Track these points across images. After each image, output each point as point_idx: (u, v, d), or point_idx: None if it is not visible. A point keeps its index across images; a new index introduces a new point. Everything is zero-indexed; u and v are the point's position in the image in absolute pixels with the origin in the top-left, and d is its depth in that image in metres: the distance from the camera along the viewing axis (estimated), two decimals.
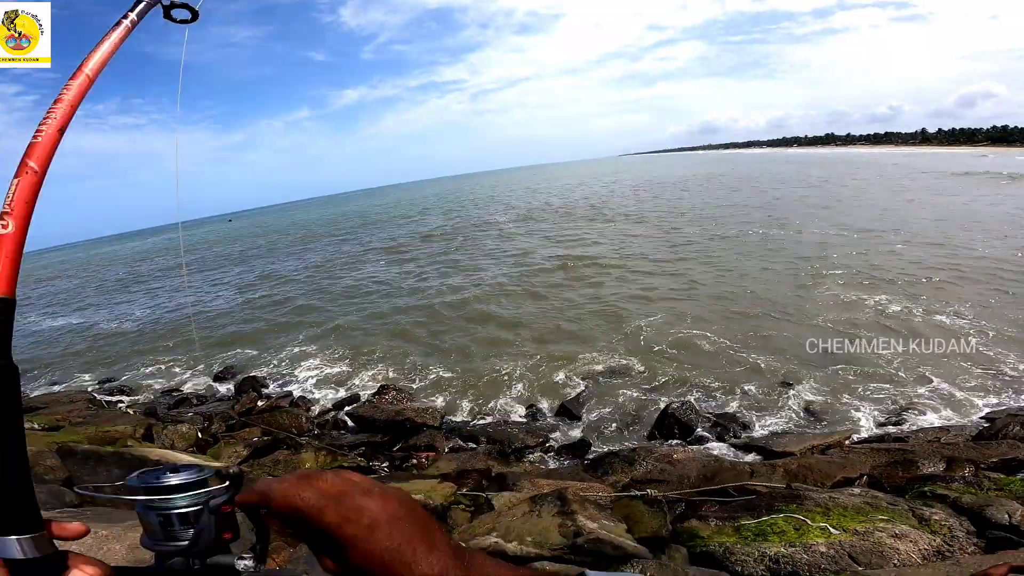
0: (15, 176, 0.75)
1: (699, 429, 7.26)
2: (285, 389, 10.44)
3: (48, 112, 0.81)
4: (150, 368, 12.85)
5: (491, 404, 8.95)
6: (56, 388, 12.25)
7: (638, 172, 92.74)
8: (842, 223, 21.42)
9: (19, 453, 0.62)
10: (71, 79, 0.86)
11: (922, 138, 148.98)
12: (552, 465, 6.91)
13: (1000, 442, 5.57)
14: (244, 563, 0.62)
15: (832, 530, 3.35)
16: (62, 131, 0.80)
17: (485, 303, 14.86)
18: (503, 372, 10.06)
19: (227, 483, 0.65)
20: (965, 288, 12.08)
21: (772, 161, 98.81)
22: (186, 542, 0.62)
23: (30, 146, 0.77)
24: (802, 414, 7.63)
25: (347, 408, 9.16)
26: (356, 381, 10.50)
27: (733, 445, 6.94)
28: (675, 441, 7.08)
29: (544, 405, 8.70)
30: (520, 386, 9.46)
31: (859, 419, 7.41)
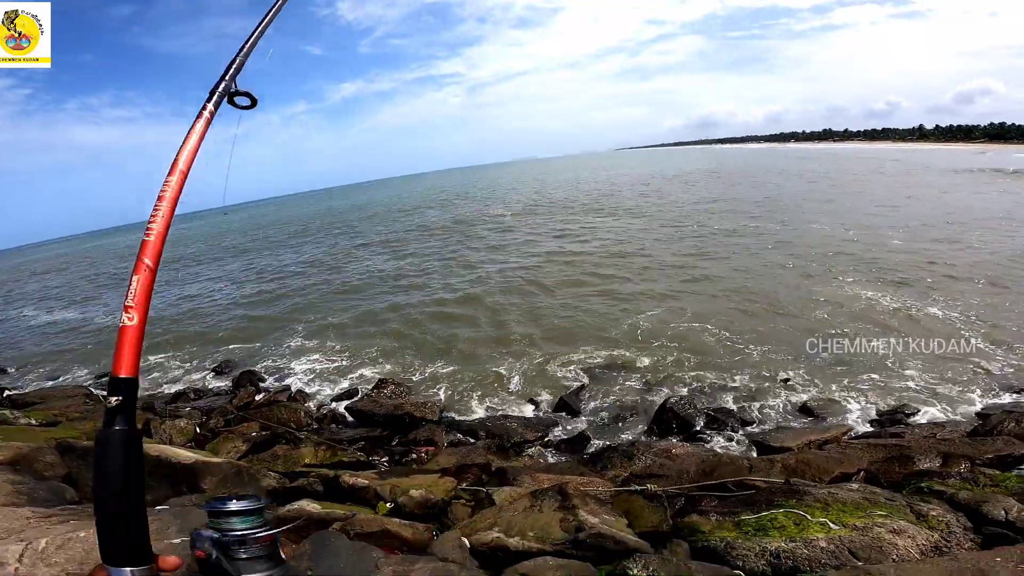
0: (134, 273, 0.89)
1: (698, 424, 7.30)
2: (283, 383, 10.43)
3: (153, 211, 0.93)
4: (146, 362, 12.79)
5: (490, 398, 8.97)
6: (52, 383, 12.19)
7: (637, 166, 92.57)
8: (843, 220, 21.49)
9: (140, 500, 0.78)
10: (168, 176, 0.99)
11: (919, 134, 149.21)
12: (551, 459, 6.94)
13: (995, 438, 5.62)
14: None
15: (832, 525, 3.38)
16: (168, 227, 0.94)
17: (483, 297, 14.85)
18: (501, 366, 10.08)
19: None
20: (965, 285, 12.16)
21: (772, 156, 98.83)
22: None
23: (143, 244, 0.90)
24: (799, 409, 7.68)
25: (345, 402, 9.16)
26: (354, 375, 10.50)
27: (731, 440, 6.99)
28: (674, 436, 7.12)
29: (543, 399, 8.72)
30: (519, 380, 9.48)
31: (855, 415, 7.48)
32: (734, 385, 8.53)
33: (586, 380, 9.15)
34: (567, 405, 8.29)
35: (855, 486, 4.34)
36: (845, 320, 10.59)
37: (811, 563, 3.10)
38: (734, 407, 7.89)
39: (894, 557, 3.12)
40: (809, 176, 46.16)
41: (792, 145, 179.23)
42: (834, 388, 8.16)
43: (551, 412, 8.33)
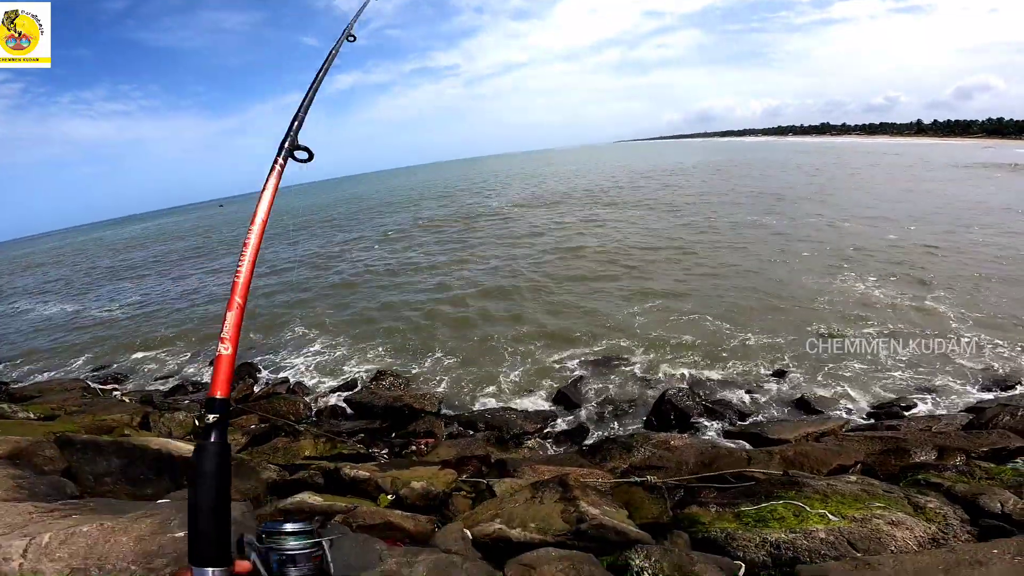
0: (227, 310, 1.03)
1: (696, 416, 7.34)
2: (281, 375, 10.42)
3: (240, 257, 1.10)
4: (143, 355, 12.77)
5: (489, 390, 9.00)
6: (48, 376, 12.14)
7: (637, 158, 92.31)
8: (842, 213, 21.51)
9: (227, 507, 0.87)
10: (251, 225, 1.15)
11: (917, 129, 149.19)
12: (551, 451, 6.99)
13: (991, 431, 5.68)
14: None
15: (831, 517, 3.41)
16: (252, 270, 1.09)
17: (481, 290, 14.84)
18: (500, 358, 10.10)
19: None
20: (963, 278, 12.21)
21: (770, 149, 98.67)
22: None
23: (233, 284, 1.05)
24: (796, 402, 7.73)
25: (344, 394, 9.16)
26: (353, 367, 10.50)
27: (729, 432, 7.03)
28: (673, 428, 7.16)
29: (542, 391, 8.75)
30: (518, 372, 9.50)
31: (852, 407, 7.54)
32: (732, 378, 8.58)
33: (585, 372, 9.18)
34: (566, 397, 8.32)
35: (853, 478, 4.38)
36: (842, 313, 10.65)
37: (811, 554, 3.13)
38: (732, 399, 7.94)
39: (892, 548, 3.15)
40: (807, 169, 46.15)
41: (790, 138, 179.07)
42: (831, 381, 8.21)
43: (550, 404, 8.37)
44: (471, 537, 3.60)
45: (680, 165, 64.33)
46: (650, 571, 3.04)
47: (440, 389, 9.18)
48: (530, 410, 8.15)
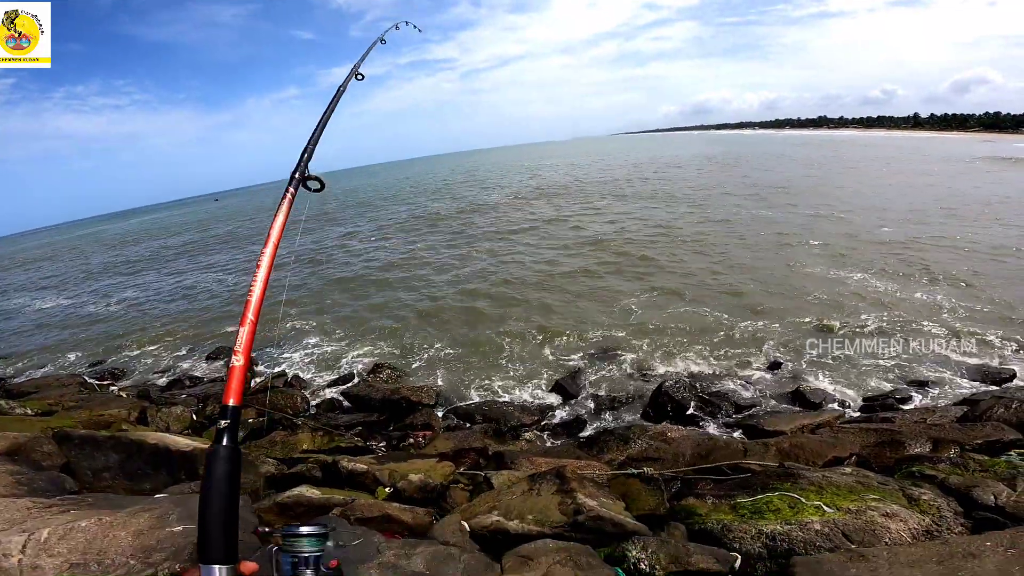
0: (240, 325, 1.10)
1: (693, 408, 7.38)
2: (279, 369, 10.41)
3: (253, 279, 1.18)
4: (140, 350, 12.73)
5: (486, 382, 9.02)
6: (44, 372, 12.10)
7: (634, 151, 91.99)
8: (841, 206, 21.51)
9: (235, 507, 0.92)
10: (263, 249, 1.21)
11: (914, 122, 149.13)
12: (548, 443, 7.01)
13: (985, 424, 5.71)
14: None
15: (826, 508, 3.44)
16: (265, 289, 1.16)
17: (478, 283, 14.82)
18: (497, 351, 10.12)
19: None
20: (960, 271, 12.24)
21: (768, 142, 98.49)
22: None
23: (246, 303, 1.12)
24: (792, 394, 7.76)
25: (342, 387, 9.17)
26: (350, 360, 10.49)
27: (726, 424, 7.08)
28: (669, 420, 7.19)
29: (539, 383, 8.77)
30: (514, 364, 9.52)
31: (848, 399, 7.58)
32: (729, 370, 8.61)
33: (582, 364, 9.21)
34: (563, 389, 8.35)
35: (848, 470, 4.41)
36: (839, 305, 10.69)
37: (806, 545, 3.16)
38: (729, 391, 7.97)
39: (887, 540, 3.18)
40: (804, 162, 46.10)
41: (787, 131, 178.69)
42: (827, 373, 8.26)
43: (547, 396, 8.40)
44: (469, 529, 3.62)
45: (677, 157, 64.20)
46: (647, 562, 3.06)
47: (438, 382, 9.19)
48: (528, 402, 8.18)
